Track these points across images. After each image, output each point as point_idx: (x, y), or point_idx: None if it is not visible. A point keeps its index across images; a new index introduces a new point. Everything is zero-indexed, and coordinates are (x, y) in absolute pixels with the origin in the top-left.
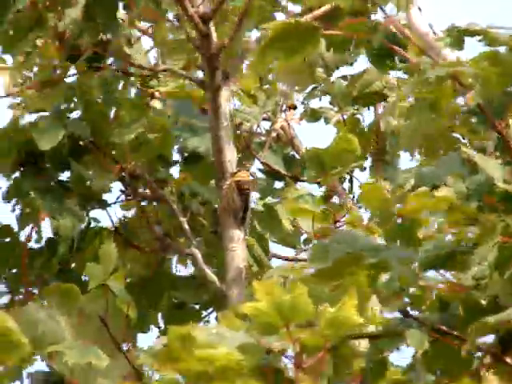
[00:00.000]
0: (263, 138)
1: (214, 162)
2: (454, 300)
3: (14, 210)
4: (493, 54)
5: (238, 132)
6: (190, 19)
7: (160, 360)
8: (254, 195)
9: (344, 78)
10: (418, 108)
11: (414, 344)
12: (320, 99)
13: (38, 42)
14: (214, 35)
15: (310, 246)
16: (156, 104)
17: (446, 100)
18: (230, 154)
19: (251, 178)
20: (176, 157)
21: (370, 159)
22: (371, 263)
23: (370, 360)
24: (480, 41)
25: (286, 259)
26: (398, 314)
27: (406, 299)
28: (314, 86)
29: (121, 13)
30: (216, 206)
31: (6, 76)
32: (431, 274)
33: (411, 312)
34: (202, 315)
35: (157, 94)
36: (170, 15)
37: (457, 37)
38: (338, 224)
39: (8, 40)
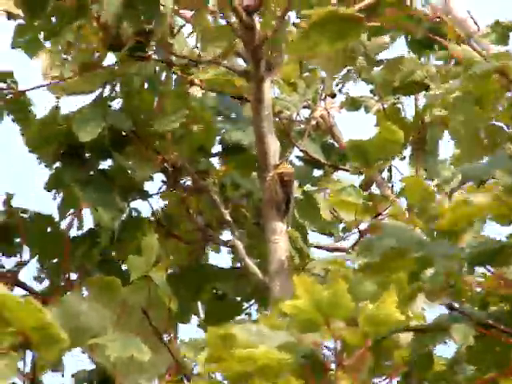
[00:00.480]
0: (302, 126)
1: (257, 153)
2: (500, 295)
3: (55, 199)
4: None
5: (278, 120)
6: (234, 11)
7: (201, 360)
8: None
9: (380, 62)
10: (464, 101)
11: (459, 338)
12: (354, 82)
13: (81, 32)
14: (258, 26)
15: (349, 234)
16: (195, 91)
17: (493, 95)
18: (273, 146)
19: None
20: (217, 148)
21: (409, 148)
22: (416, 258)
23: (415, 353)
24: None
25: (326, 249)
26: (443, 309)
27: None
28: (348, 68)
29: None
30: (258, 197)
31: (44, 58)
32: (477, 269)
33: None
34: (243, 307)
35: (196, 80)
36: (212, 6)
37: (502, 33)
38: (380, 217)
39: (50, 29)
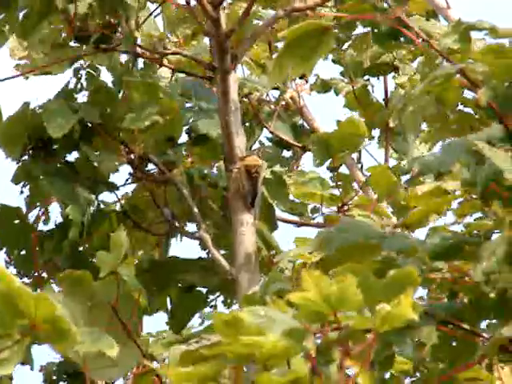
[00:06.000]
0: (272, 108)
1: (223, 146)
2: (462, 291)
3: (22, 193)
4: (497, 47)
5: (247, 101)
6: (200, 4)
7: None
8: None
9: (348, 37)
10: (421, 92)
11: (423, 337)
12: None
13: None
14: (224, 19)
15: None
16: (164, 73)
17: (453, 94)
18: (239, 140)
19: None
20: (183, 137)
21: (378, 129)
22: (376, 260)
23: (378, 354)
24: (486, 35)
25: (295, 223)
26: None
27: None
28: None
29: None
30: (224, 188)
31: (12, 40)
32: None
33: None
34: (210, 299)
35: (165, 61)
36: None
37: (463, 32)
38: (345, 207)
39: (21, 27)
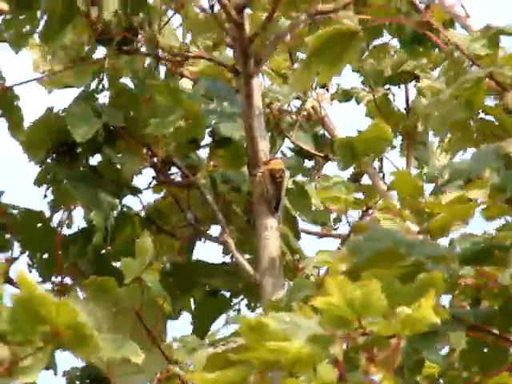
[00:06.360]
0: (294, 118)
1: (247, 150)
2: (486, 298)
3: (45, 197)
4: None
5: (269, 111)
6: (223, 7)
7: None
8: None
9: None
10: (451, 95)
11: (452, 342)
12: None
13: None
14: (247, 23)
15: (340, 225)
16: (185, 84)
17: (483, 98)
18: (263, 144)
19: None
20: (207, 140)
21: (399, 138)
22: (407, 260)
23: (407, 359)
24: None
25: (318, 234)
26: None
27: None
28: None
29: None
30: (248, 193)
31: (35, 52)
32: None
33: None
34: (233, 303)
35: (186, 72)
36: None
37: (492, 37)
38: (370, 210)
39: (44, 31)
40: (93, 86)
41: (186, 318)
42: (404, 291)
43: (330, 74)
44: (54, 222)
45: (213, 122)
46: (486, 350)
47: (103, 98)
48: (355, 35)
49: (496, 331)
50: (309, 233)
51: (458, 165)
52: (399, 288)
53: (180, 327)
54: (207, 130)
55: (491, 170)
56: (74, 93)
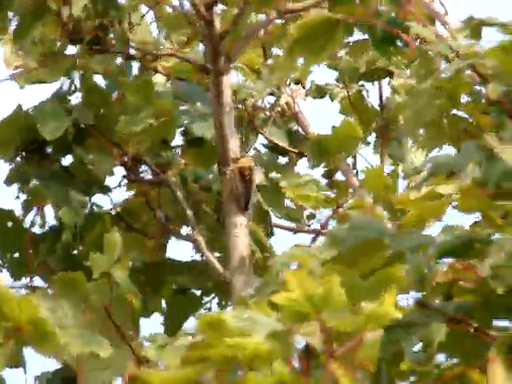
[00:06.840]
0: (267, 114)
1: (217, 148)
2: (469, 288)
3: (17, 197)
4: (510, 44)
5: (242, 107)
6: (193, 5)
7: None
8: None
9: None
10: (421, 92)
11: (432, 334)
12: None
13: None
14: (217, 21)
15: (313, 222)
16: (159, 79)
17: (465, 89)
18: (233, 141)
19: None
20: (177, 140)
21: (373, 134)
22: (387, 250)
23: (384, 351)
24: (498, 31)
25: (291, 230)
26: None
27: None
28: None
29: None
30: (218, 192)
31: (7, 47)
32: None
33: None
34: (204, 301)
35: (160, 68)
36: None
37: (475, 28)
38: (341, 209)
39: (15, 30)
40: (65, 87)
41: (159, 319)
42: (364, 286)
43: (314, 62)
44: (27, 222)
45: (185, 122)
46: (466, 342)
47: (75, 99)
48: (338, 24)
49: (475, 324)
50: (283, 228)
51: (439, 160)
52: (359, 283)
53: (154, 328)
54: (179, 130)
55: (474, 164)
56: (45, 89)
